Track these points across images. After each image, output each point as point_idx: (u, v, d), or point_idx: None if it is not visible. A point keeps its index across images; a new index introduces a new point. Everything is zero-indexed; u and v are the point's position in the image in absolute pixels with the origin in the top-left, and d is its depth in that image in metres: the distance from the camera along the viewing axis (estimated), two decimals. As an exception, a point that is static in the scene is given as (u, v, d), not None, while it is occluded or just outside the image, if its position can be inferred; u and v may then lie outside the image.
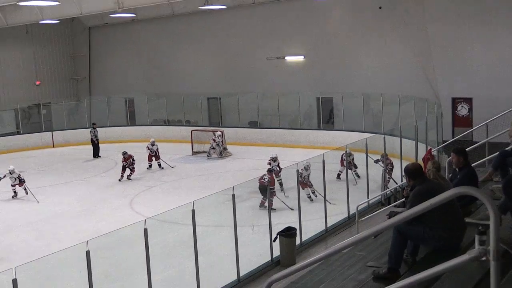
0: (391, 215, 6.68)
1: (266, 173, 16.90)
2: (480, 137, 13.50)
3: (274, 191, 15.88)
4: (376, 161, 18.08)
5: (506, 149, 8.89)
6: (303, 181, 16.93)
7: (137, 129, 32.32)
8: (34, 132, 31.78)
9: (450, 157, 7.99)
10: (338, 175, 19.17)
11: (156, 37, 34.12)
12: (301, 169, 16.55)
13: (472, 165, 7.90)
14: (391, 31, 26.89)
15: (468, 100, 25.55)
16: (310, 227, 14.72)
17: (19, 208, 19.37)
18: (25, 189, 20.15)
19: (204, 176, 22.60)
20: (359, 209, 14.51)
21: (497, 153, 8.64)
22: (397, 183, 17.35)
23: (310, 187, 17.28)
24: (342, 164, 19.03)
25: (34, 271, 11.09)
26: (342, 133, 26.02)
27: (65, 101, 33.98)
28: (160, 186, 21.49)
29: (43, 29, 34.63)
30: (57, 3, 23.07)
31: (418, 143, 19.16)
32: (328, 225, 14.92)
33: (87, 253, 9.28)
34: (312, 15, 28.97)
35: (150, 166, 23.86)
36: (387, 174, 17.97)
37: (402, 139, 18.82)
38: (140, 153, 24.66)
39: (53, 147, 30.94)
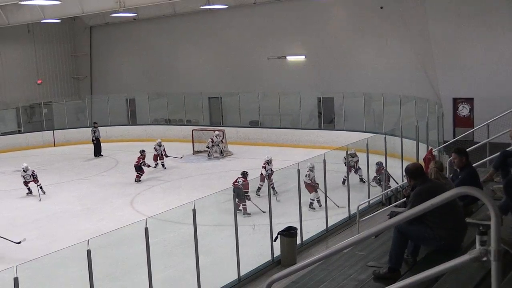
0: (392, 215, 6.70)
1: (240, 175, 16.94)
2: (481, 137, 13.53)
3: (249, 195, 15.78)
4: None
5: (507, 149, 8.89)
6: (311, 184, 16.52)
7: (138, 128, 32.34)
8: (36, 131, 31.83)
9: (451, 158, 8.00)
10: (344, 180, 17.92)
11: (157, 36, 34.14)
12: (308, 171, 16.32)
13: (473, 165, 7.91)
14: (392, 31, 26.88)
15: (469, 100, 25.55)
16: (311, 227, 14.72)
17: (20, 206, 19.40)
18: (41, 187, 20.22)
19: (205, 176, 22.61)
20: (359, 209, 14.53)
21: (498, 153, 8.64)
22: (397, 183, 17.34)
23: (316, 192, 16.64)
24: (348, 170, 18.08)
25: (35, 269, 11.11)
26: (343, 133, 26.01)
27: (67, 100, 33.99)
28: (161, 186, 21.50)
29: (45, 28, 34.67)
30: (58, 2, 23.10)
31: (419, 143, 19.15)
32: (329, 225, 14.91)
33: (88, 252, 9.28)
34: (313, 15, 28.98)
35: (156, 165, 23.88)
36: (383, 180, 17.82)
37: (403, 139, 18.82)
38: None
39: (55, 146, 30.96)
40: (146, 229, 10.05)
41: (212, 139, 25.93)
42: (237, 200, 16.23)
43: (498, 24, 24.35)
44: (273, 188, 17.63)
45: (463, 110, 25.80)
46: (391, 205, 15.46)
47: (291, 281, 5.83)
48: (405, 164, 12.70)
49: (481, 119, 18.13)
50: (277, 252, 12.92)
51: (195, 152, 27.07)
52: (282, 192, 17.61)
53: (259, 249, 13.42)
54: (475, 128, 16.32)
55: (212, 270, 12.33)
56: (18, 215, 18.28)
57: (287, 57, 30.63)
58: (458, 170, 7.49)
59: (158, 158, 23.97)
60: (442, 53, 25.41)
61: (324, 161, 14.96)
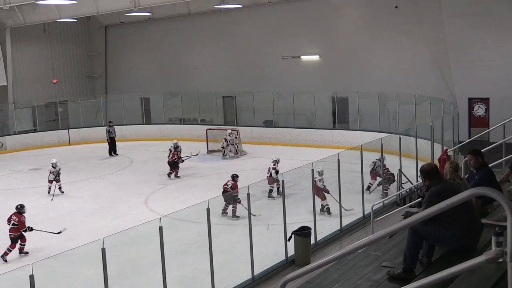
0: (406, 215, 6.66)
1: (230, 178, 16.95)
2: (496, 137, 13.43)
3: (239, 198, 15.73)
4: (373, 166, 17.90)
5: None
6: (323, 190, 16.08)
7: (152, 127, 32.49)
8: (51, 130, 32.11)
9: (466, 158, 7.95)
10: (368, 187, 17.75)
11: (172, 35, 34.25)
12: (317, 175, 15.72)
13: (489, 165, 7.86)
14: (407, 31, 26.75)
15: (485, 100, 25.35)
16: (325, 227, 14.70)
17: (35, 205, 19.50)
18: (60, 187, 20.36)
19: (219, 175, 22.61)
20: (374, 209, 14.48)
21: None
22: (412, 183, 17.26)
23: (325, 198, 16.16)
24: (373, 177, 17.92)
25: (51, 267, 11.20)
26: (357, 132, 25.95)
27: (82, 99, 34.23)
28: (175, 184, 21.57)
29: (60, 28, 34.93)
30: (74, 2, 23.29)
31: (434, 143, 19.04)
32: (343, 225, 14.88)
33: (103, 250, 9.33)
34: (327, 15, 28.92)
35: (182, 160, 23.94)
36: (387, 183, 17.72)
37: (418, 139, 18.73)
38: (155, 152, 24.74)
39: (70, 144, 31.19)
40: (161, 228, 10.08)
41: (225, 138, 25.96)
42: (225, 203, 16.35)
43: (514, 23, 24.14)
44: (278, 189, 17.58)
45: (479, 110, 25.60)
46: (405, 205, 15.40)
47: (305, 280, 5.83)
48: (420, 164, 12.63)
49: (497, 119, 17.96)
50: (291, 251, 12.91)
51: (209, 151, 27.12)
52: (295, 192, 17.55)
53: (273, 249, 13.42)
54: (491, 128, 16.23)
55: (226, 269, 12.36)
56: (34, 213, 18.38)
57: (302, 57, 30.59)
58: (474, 170, 7.45)
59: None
60: (457, 52, 25.23)
61: (338, 161, 14.91)
